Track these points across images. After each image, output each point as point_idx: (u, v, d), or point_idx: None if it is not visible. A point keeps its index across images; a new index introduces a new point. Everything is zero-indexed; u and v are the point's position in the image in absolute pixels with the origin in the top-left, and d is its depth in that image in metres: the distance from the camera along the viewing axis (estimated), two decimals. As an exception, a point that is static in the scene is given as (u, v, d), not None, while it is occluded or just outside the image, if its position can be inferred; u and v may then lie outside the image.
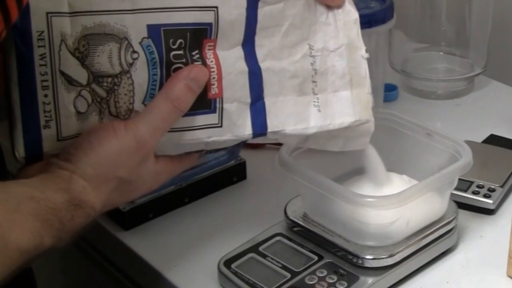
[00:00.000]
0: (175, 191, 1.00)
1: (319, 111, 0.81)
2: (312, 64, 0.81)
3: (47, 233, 0.69)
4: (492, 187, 1.00)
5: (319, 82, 0.82)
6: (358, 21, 0.83)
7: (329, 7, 0.82)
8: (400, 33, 1.27)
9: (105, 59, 0.74)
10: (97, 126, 0.75)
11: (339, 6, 0.82)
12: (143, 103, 0.76)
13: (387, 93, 1.24)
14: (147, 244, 0.96)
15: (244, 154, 1.06)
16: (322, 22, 0.82)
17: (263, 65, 0.80)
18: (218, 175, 1.03)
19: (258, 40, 0.80)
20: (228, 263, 0.88)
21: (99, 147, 0.73)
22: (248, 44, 0.79)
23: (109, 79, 0.75)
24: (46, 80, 0.73)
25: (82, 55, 0.73)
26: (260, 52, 0.80)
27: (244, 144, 1.06)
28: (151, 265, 0.93)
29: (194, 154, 0.82)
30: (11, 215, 0.66)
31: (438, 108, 1.24)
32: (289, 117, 0.81)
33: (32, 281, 0.97)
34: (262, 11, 0.78)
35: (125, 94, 0.75)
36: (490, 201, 0.98)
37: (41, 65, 0.72)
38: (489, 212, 0.99)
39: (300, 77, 0.81)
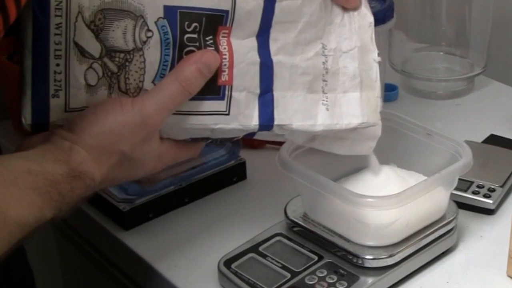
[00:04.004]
0: (175, 191, 1.00)
1: (327, 110, 0.82)
2: (324, 63, 0.82)
3: (47, 206, 0.69)
4: (492, 187, 1.00)
5: (330, 81, 0.82)
6: (372, 24, 0.84)
7: (345, 9, 0.83)
8: (400, 33, 1.27)
9: (120, 34, 0.74)
10: (105, 100, 0.75)
11: (355, 8, 0.83)
12: (153, 82, 0.77)
13: (387, 93, 1.24)
14: (147, 244, 0.96)
15: (244, 154, 1.06)
16: (337, 23, 0.83)
17: (275, 58, 0.80)
18: (218, 175, 1.04)
19: (273, 33, 0.80)
20: (228, 263, 0.88)
21: (103, 119, 0.74)
22: (263, 36, 0.80)
23: (122, 55, 0.75)
24: (60, 50, 0.73)
25: (97, 28, 0.74)
26: (273, 46, 0.80)
27: (244, 144, 1.07)
28: (151, 265, 0.93)
29: (200, 142, 0.82)
30: (8, 190, 0.67)
31: (438, 108, 1.24)
32: (296, 112, 0.81)
33: (31, 281, 0.97)
34: (280, 5, 0.79)
35: (136, 72, 0.76)
36: (490, 201, 0.98)
37: (56, 34, 0.73)
38: (489, 212, 0.99)
39: (311, 74, 0.81)
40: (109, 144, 0.74)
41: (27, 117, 0.75)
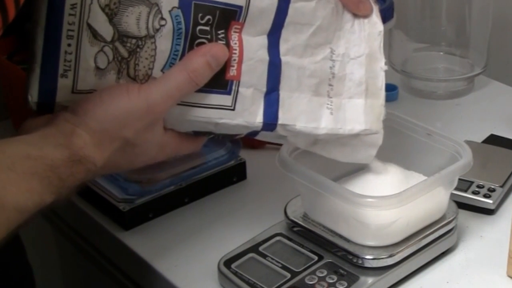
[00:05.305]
0: (175, 191, 1.00)
1: (331, 114, 0.82)
2: (331, 67, 0.82)
3: (46, 191, 0.69)
4: (492, 187, 1.00)
5: (336, 86, 0.82)
6: (382, 33, 0.84)
7: (356, 16, 0.83)
8: (400, 33, 1.27)
9: (133, 20, 0.75)
10: (112, 84, 0.76)
11: (366, 16, 0.83)
12: (162, 70, 0.77)
13: (387, 93, 1.22)
14: (147, 244, 0.96)
15: (244, 154, 1.06)
16: (347, 29, 0.83)
17: (284, 58, 0.80)
18: (218, 175, 1.03)
19: (285, 33, 0.80)
20: (228, 263, 0.88)
21: (109, 103, 0.74)
22: (274, 35, 0.80)
23: (133, 41, 0.75)
24: (72, 30, 0.73)
25: (111, 12, 0.74)
26: (283, 46, 0.80)
27: (244, 144, 1.07)
28: (151, 265, 0.93)
29: (202, 137, 0.82)
30: (6, 175, 0.67)
31: (438, 108, 1.24)
32: (301, 114, 0.81)
33: (31, 280, 0.97)
34: (294, 6, 0.79)
35: (146, 59, 0.76)
36: (490, 201, 0.98)
37: (70, 15, 0.73)
38: (489, 212, 0.99)
39: (318, 77, 0.82)
40: (113, 129, 0.74)
41: (33, 95, 0.75)
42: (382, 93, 0.84)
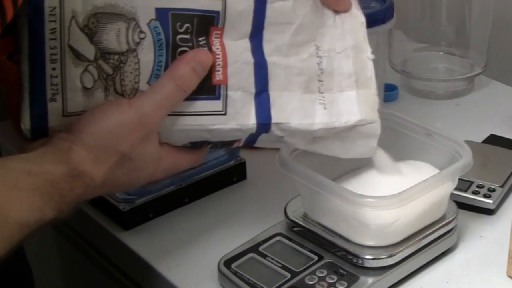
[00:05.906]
0: (175, 191, 1.00)
1: (325, 108, 0.82)
2: (318, 64, 0.82)
3: (47, 206, 0.70)
4: (492, 187, 1.00)
5: (325, 81, 0.82)
6: (364, 24, 0.84)
7: (336, 11, 0.83)
8: (400, 33, 1.27)
9: (113, 36, 0.75)
10: (102, 102, 0.76)
11: (346, 10, 0.84)
12: (148, 83, 0.77)
13: (387, 93, 1.24)
14: (147, 244, 0.96)
15: (244, 154, 1.06)
16: (330, 25, 0.83)
17: (269, 59, 0.81)
18: (218, 175, 1.04)
19: (267, 34, 0.80)
20: (228, 263, 0.88)
21: (101, 119, 0.74)
22: (256, 37, 0.80)
23: (116, 57, 0.76)
24: (55, 54, 0.74)
25: (91, 32, 0.75)
26: (267, 47, 0.81)
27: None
28: (151, 265, 0.93)
29: (201, 149, 0.82)
30: (10, 191, 0.67)
31: (438, 108, 1.24)
32: (294, 111, 0.81)
33: (30, 281, 0.97)
34: (271, 6, 0.79)
35: (131, 73, 0.77)
36: (490, 201, 0.98)
37: (51, 39, 0.74)
38: (489, 212, 0.99)
39: (306, 75, 0.82)
40: (108, 144, 0.75)
41: (25, 123, 0.75)
42: (373, 82, 0.84)
